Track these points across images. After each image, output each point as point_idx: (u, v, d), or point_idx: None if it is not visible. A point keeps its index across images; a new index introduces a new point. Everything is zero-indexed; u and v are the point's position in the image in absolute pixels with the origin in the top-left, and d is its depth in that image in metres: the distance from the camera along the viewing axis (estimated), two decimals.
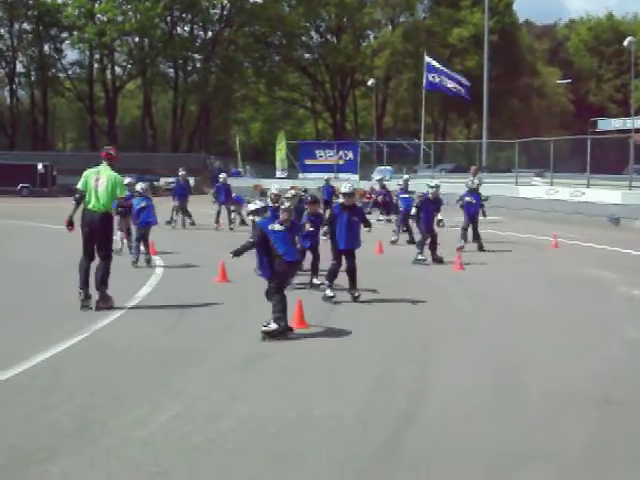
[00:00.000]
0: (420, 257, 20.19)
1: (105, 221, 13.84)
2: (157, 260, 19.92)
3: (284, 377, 9.48)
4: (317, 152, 56.96)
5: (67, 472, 6.54)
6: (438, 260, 20.22)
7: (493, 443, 7.26)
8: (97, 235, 13.81)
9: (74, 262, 16.48)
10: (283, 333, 11.42)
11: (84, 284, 13.77)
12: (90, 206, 13.72)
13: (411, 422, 7.83)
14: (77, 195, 13.84)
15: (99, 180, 13.79)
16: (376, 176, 51.26)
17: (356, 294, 14.52)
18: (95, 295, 13.76)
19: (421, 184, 44.91)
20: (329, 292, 14.51)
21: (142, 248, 19.68)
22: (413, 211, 21.00)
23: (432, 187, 21.25)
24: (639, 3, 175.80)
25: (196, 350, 10.74)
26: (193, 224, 31.04)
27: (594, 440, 7.43)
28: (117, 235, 21.75)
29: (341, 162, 54.69)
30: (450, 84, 59.01)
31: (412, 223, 23.53)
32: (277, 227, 11.97)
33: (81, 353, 10.51)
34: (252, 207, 12.90)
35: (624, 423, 7.92)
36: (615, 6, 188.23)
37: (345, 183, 15.58)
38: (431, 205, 20.90)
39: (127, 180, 21.49)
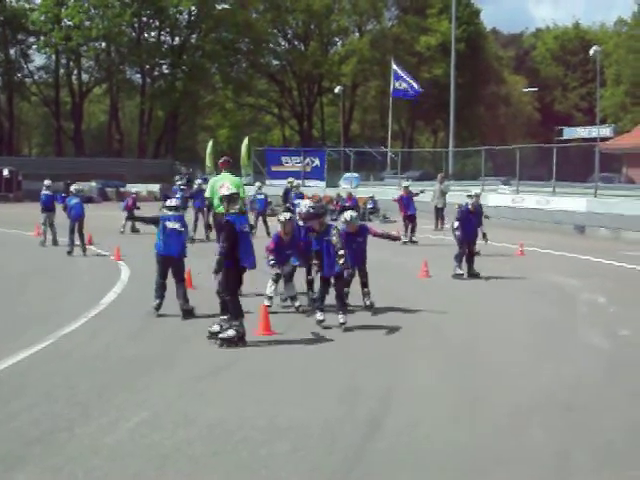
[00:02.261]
0: (459, 271, 19.14)
1: None
2: (123, 267, 19.80)
3: (252, 384, 9.45)
4: (284, 159, 56.74)
5: None
6: (474, 275, 19.22)
7: (459, 449, 7.28)
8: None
9: (38, 268, 16.38)
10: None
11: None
12: (219, 209, 15.49)
13: (379, 430, 7.83)
14: (207, 202, 16.16)
15: (223, 186, 15.56)
16: (343, 184, 51.37)
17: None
18: None
19: (388, 191, 45.15)
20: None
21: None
22: (455, 225, 19.45)
23: (471, 196, 20.19)
24: (605, 13, 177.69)
25: (163, 357, 10.69)
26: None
27: (558, 445, 7.46)
28: (41, 229, 25.18)
29: (308, 169, 54.55)
30: (404, 84, 59.73)
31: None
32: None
33: (45, 360, 10.43)
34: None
35: (587, 428, 7.96)
36: (581, 15, 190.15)
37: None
38: (471, 216, 19.63)
39: (76, 186, 24.87)
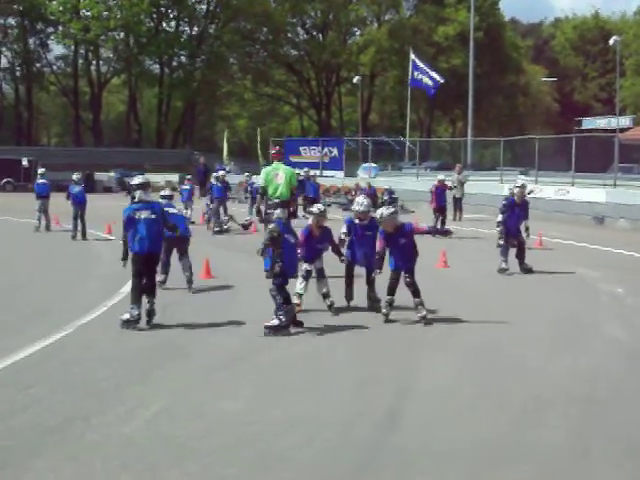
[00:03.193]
0: (504, 266, 18.23)
1: (287, 206, 16.19)
2: None
3: (268, 376, 9.45)
4: (302, 149, 56.56)
5: (49, 469, 6.51)
6: (527, 270, 18.27)
7: (476, 442, 7.26)
8: None
9: (57, 257, 16.28)
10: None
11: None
12: (274, 197, 17.03)
13: (395, 423, 7.82)
14: (261, 190, 17.59)
15: (277, 175, 17.21)
16: (361, 174, 51.24)
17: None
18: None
19: (406, 181, 45.13)
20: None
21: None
22: (499, 217, 18.50)
23: (517, 187, 19.15)
24: (625, 2, 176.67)
25: (180, 347, 10.72)
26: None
27: (577, 438, 7.43)
28: (36, 215, 26.69)
29: (326, 159, 54.40)
30: (425, 78, 59.52)
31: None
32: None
33: (63, 350, 10.48)
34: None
35: (606, 422, 7.93)
36: (601, 5, 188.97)
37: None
38: (517, 208, 18.68)
39: (77, 175, 26.62)
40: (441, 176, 30.68)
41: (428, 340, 11.60)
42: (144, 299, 12.08)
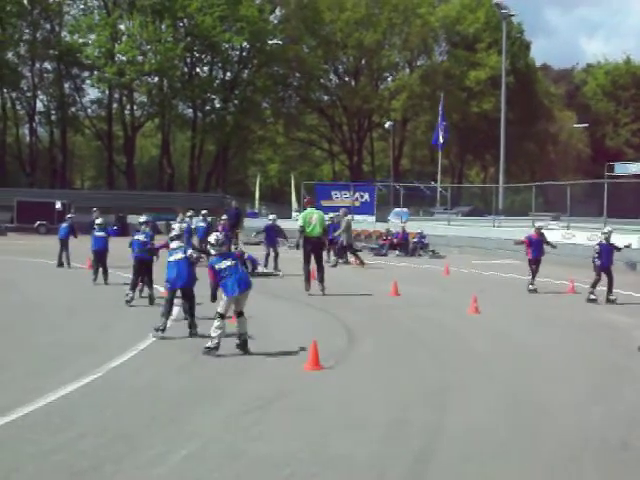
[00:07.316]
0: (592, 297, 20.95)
1: (320, 242, 22.51)
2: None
3: (299, 418, 9.42)
4: (333, 193, 56.63)
5: None
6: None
7: None
8: (317, 250, 22.17)
9: (87, 300, 16.33)
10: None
11: (307, 280, 21.99)
12: (310, 234, 21.92)
13: (427, 465, 7.77)
14: (300, 229, 21.96)
15: (312, 218, 22.08)
16: (393, 218, 51.34)
17: None
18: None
19: (438, 227, 45.09)
20: None
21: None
22: None
23: None
24: None
25: (210, 390, 10.70)
26: None
27: None
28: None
29: (357, 204, 54.48)
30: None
31: None
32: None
33: (95, 392, 10.49)
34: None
35: (639, 469, 7.84)
36: (633, 50, 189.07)
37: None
38: None
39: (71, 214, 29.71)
40: (540, 223, 28.29)
41: (459, 382, 11.54)
42: (146, 290, 19.77)
